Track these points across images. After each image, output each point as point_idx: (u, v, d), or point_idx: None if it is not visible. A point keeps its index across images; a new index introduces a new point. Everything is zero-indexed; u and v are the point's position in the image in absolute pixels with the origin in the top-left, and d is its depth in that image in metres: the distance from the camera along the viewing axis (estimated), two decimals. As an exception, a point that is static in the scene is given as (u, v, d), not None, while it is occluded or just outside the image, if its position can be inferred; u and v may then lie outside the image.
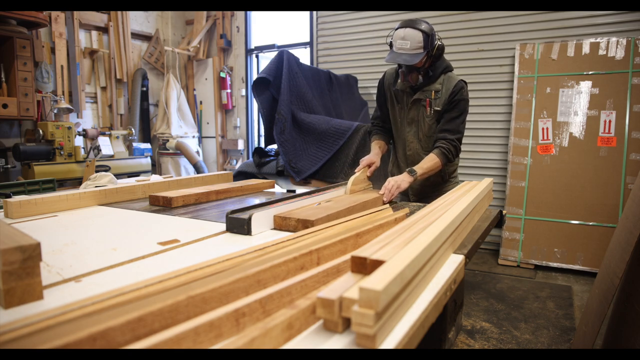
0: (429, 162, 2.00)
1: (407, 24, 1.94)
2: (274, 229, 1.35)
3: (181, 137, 5.11)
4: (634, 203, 1.70)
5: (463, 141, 3.99)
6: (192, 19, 5.51)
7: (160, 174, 4.62)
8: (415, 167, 1.95)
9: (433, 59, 2.02)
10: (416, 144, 2.19)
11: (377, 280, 0.62)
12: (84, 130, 4.15)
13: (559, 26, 3.56)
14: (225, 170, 5.28)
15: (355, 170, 1.96)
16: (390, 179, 1.88)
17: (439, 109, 2.07)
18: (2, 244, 0.75)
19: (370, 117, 2.47)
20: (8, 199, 1.53)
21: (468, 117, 4.13)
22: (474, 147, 3.94)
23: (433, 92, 2.07)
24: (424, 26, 1.93)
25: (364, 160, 2.04)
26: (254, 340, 0.56)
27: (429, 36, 1.93)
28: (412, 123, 2.16)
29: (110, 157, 4.22)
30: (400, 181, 1.87)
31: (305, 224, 1.28)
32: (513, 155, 3.55)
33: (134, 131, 4.56)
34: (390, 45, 2.00)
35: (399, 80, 2.11)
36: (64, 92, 4.31)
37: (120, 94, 4.94)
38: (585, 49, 3.33)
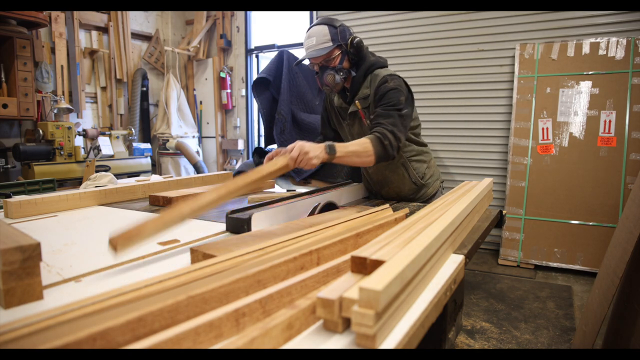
0: (356, 144, 1.58)
1: (315, 23, 1.77)
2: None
3: (181, 137, 5.11)
4: (634, 203, 1.70)
5: (463, 141, 3.96)
6: (192, 19, 5.51)
7: (160, 174, 4.62)
8: (338, 145, 1.50)
9: (351, 56, 1.78)
10: None
11: (377, 280, 0.62)
12: (84, 130, 4.15)
13: (559, 26, 3.56)
14: (225, 170, 5.28)
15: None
16: (298, 142, 1.41)
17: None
18: (2, 244, 0.75)
19: None
20: (8, 199, 1.53)
21: (468, 118, 4.14)
22: (474, 147, 3.94)
23: (361, 100, 1.80)
24: (333, 22, 1.75)
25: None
26: (254, 340, 0.56)
27: (336, 28, 1.73)
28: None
29: (110, 157, 4.22)
30: (311, 150, 1.40)
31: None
32: (513, 155, 3.55)
33: (134, 131, 4.56)
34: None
35: (335, 95, 1.92)
36: (64, 92, 4.31)
37: (120, 94, 4.94)
38: (585, 49, 3.33)
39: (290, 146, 1.41)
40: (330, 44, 1.73)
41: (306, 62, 1.88)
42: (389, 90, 1.71)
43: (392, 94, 1.70)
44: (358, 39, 1.77)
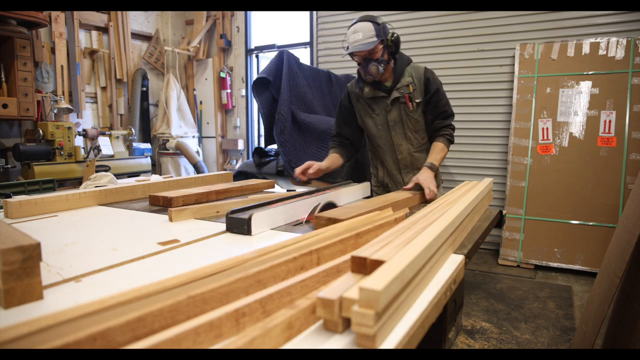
0: (440, 152, 2.08)
1: (358, 20, 2.02)
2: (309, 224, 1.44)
3: (181, 137, 5.11)
4: (634, 203, 1.70)
5: (463, 141, 3.97)
6: (192, 19, 5.51)
7: (160, 174, 4.62)
8: (431, 160, 2.02)
9: (391, 50, 2.05)
10: (405, 145, 2.19)
11: (377, 280, 0.62)
12: (84, 130, 4.15)
13: (559, 26, 3.56)
14: (225, 170, 5.28)
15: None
16: (419, 179, 1.87)
17: (419, 100, 2.10)
18: (2, 244, 0.75)
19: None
20: (8, 199, 1.53)
21: (468, 118, 4.17)
22: (474, 147, 3.94)
23: (411, 85, 2.09)
24: (375, 18, 2.00)
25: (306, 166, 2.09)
26: (254, 340, 0.56)
27: (379, 25, 1.98)
28: (396, 125, 2.17)
29: (110, 157, 4.22)
30: (430, 179, 1.88)
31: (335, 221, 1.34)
32: (513, 155, 3.55)
33: (134, 131, 4.56)
34: (347, 49, 2.05)
35: (366, 87, 2.14)
36: (64, 92, 4.31)
37: (120, 94, 4.94)
38: (585, 49, 3.34)
39: (420, 183, 1.86)
40: (375, 39, 1.97)
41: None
42: (439, 86, 2.11)
43: (442, 91, 2.13)
44: (396, 34, 2.04)
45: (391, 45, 2.03)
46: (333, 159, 2.21)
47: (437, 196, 1.87)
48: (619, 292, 1.78)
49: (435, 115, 2.13)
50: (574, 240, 3.32)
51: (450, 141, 2.13)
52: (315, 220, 1.32)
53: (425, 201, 1.85)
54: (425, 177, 1.89)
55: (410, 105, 2.10)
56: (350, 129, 2.27)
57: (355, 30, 1.98)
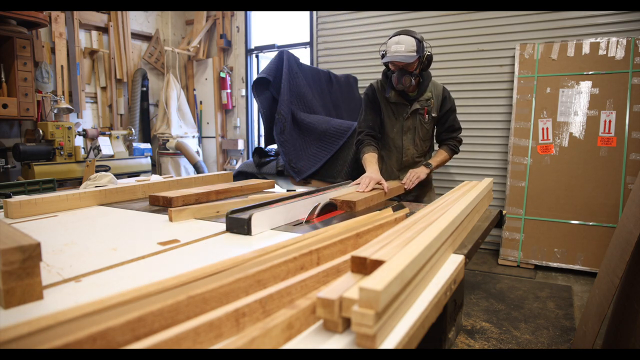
0: (441, 156, 2.38)
1: (400, 32, 2.16)
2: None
3: (181, 137, 5.11)
4: (634, 203, 1.70)
5: (463, 141, 4.02)
6: (192, 19, 5.51)
7: (160, 174, 4.62)
8: (430, 161, 2.33)
9: (423, 66, 2.22)
10: (412, 150, 2.40)
11: (377, 280, 0.62)
12: (84, 130, 4.14)
13: (559, 26, 3.56)
14: (225, 170, 5.28)
15: (364, 190, 1.90)
16: (411, 170, 2.27)
17: (435, 115, 2.35)
18: (2, 244, 0.75)
19: (358, 124, 2.49)
20: (8, 199, 1.53)
21: (468, 118, 4.17)
22: (474, 147, 3.94)
23: (431, 100, 2.32)
24: (416, 34, 2.16)
25: (376, 180, 1.99)
26: (254, 340, 0.56)
27: (420, 42, 2.16)
28: (409, 131, 2.37)
29: (110, 157, 4.22)
30: (420, 172, 2.25)
31: (349, 204, 1.67)
32: (513, 155, 3.55)
33: (134, 131, 4.56)
34: (382, 56, 2.20)
35: (392, 92, 2.29)
36: (64, 92, 4.31)
37: (120, 94, 4.93)
38: (585, 49, 3.33)
39: (410, 172, 2.27)
40: (415, 54, 2.13)
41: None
42: (452, 105, 2.37)
43: (454, 108, 2.38)
44: (430, 54, 2.23)
45: (425, 61, 2.21)
46: (377, 160, 2.27)
47: (427, 203, 2.26)
48: (619, 292, 1.78)
49: (444, 129, 2.41)
50: (574, 240, 3.32)
51: (453, 151, 2.40)
52: (338, 202, 1.64)
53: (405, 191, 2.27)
54: (417, 171, 2.26)
55: (427, 117, 2.33)
56: (378, 120, 2.40)
57: (399, 42, 2.12)
